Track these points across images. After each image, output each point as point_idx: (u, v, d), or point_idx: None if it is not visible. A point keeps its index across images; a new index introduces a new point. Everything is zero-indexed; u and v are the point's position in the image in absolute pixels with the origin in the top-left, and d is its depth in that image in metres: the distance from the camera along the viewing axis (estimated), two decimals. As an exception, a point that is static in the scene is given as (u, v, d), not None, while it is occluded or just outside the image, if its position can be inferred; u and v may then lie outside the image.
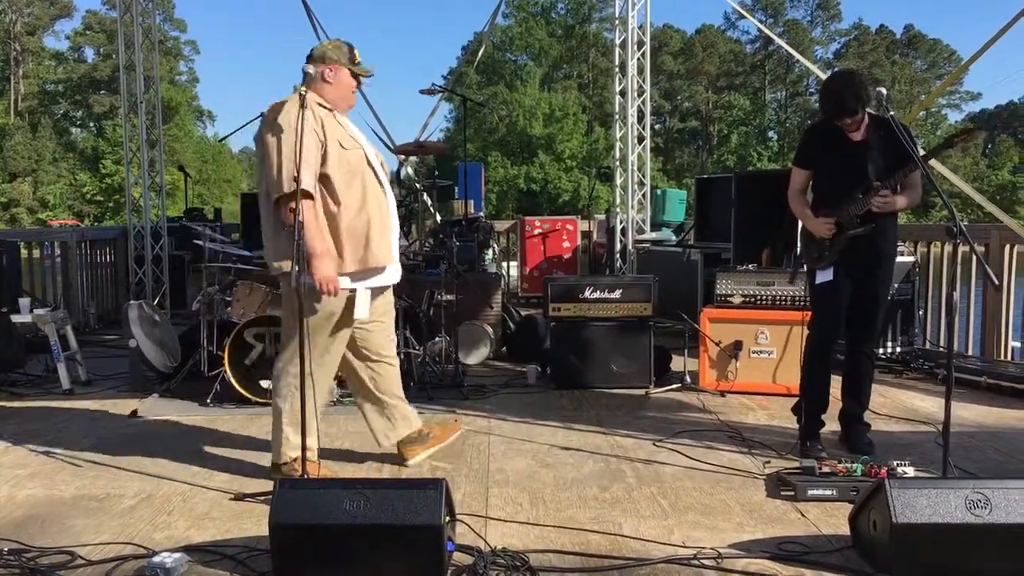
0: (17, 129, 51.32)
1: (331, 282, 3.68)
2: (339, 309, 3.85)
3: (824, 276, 4.35)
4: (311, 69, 3.89)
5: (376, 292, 3.99)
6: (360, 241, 3.79)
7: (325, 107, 3.80)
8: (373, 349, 4.17)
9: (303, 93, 3.58)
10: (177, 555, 3.04)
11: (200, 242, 6.42)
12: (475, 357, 6.90)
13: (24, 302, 6.45)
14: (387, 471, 4.24)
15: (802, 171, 4.45)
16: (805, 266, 4.62)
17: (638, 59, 9.44)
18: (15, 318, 6.32)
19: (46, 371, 6.49)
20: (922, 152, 4.10)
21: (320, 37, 10.69)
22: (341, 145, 3.77)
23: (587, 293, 6.09)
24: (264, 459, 4.36)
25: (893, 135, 3.91)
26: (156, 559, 3.00)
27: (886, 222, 4.29)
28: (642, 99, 9.56)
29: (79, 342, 6.67)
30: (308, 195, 3.61)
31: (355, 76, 3.97)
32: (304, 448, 3.61)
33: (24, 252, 8.72)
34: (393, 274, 4.06)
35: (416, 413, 4.41)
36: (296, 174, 3.45)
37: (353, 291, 3.84)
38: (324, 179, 3.73)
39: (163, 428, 5.06)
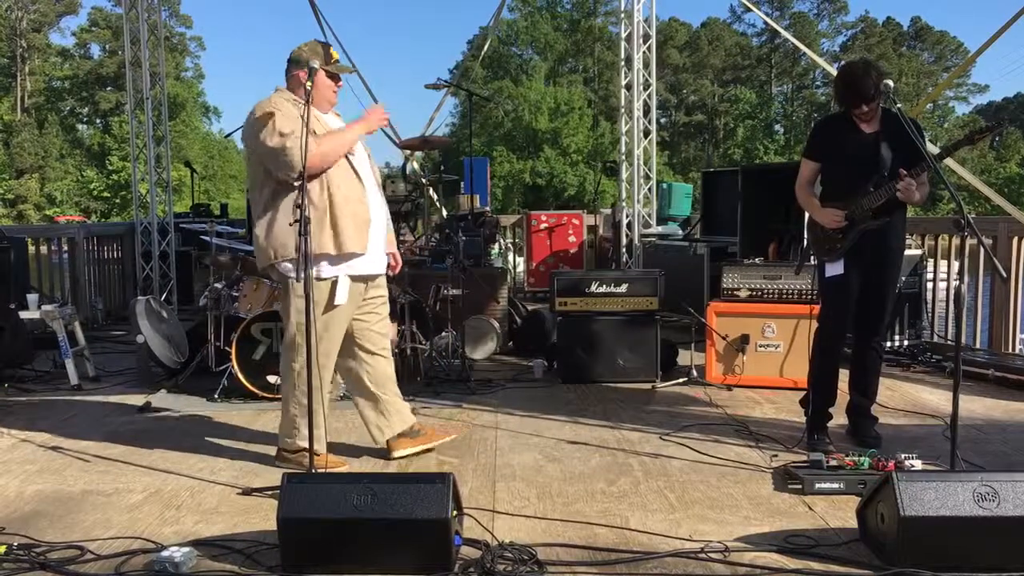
0: (24, 126, 51.45)
1: (378, 113, 4.08)
2: (324, 299, 3.93)
3: (834, 269, 4.34)
4: (291, 72, 4.04)
5: (359, 281, 4.07)
6: (332, 228, 3.88)
7: (301, 102, 3.86)
8: (368, 342, 4.23)
9: (308, 89, 3.70)
10: (186, 549, 3.05)
11: (207, 238, 6.43)
12: (482, 352, 6.90)
13: (32, 298, 6.48)
14: (394, 465, 4.25)
15: (811, 163, 4.44)
16: (813, 259, 4.61)
17: (644, 53, 9.42)
18: (23, 314, 6.34)
19: (54, 367, 6.52)
20: (937, 149, 4.07)
21: (325, 32, 10.71)
22: (315, 135, 3.87)
23: (593, 287, 6.09)
24: (272, 453, 4.38)
25: (904, 128, 3.90)
26: (165, 553, 3.01)
27: (896, 216, 4.28)
28: (648, 93, 9.55)
29: (87, 338, 6.69)
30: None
31: (332, 76, 4.08)
32: (311, 439, 3.63)
33: (32, 248, 8.75)
34: (375, 264, 4.14)
35: (410, 409, 4.43)
36: (302, 169, 3.53)
37: (334, 279, 3.94)
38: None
39: (171, 423, 5.07)
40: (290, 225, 3.79)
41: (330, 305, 3.95)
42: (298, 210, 3.48)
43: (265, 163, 3.88)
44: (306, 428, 3.76)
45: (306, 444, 3.79)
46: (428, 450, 4.36)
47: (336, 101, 4.20)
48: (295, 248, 3.57)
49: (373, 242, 4.06)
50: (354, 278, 4.02)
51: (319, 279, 3.86)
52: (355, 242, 3.93)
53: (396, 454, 4.29)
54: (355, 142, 4.01)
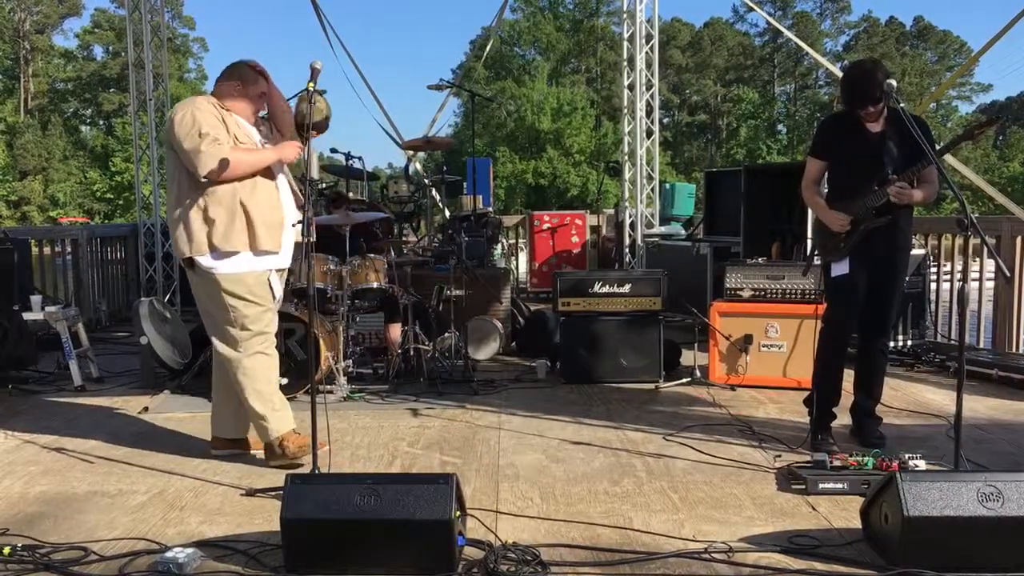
0: (27, 127, 51.49)
1: (294, 146, 4.23)
2: (247, 292, 4.11)
3: (840, 269, 4.33)
4: (223, 83, 4.28)
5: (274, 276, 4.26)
6: (246, 225, 4.06)
7: (224, 107, 4.16)
8: None
9: (311, 90, 3.84)
10: (189, 550, 3.06)
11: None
12: (485, 352, 6.90)
13: (36, 300, 6.49)
14: (398, 466, 4.25)
15: (818, 162, 4.44)
16: (818, 258, 4.60)
17: (646, 53, 9.42)
18: (27, 316, 6.35)
19: (58, 368, 6.52)
20: (938, 147, 4.06)
21: (328, 34, 10.70)
22: (236, 140, 4.10)
23: (596, 288, 6.09)
24: (275, 455, 4.39)
25: (910, 127, 3.89)
26: (169, 554, 3.02)
27: (902, 216, 4.27)
28: (650, 93, 9.54)
29: (90, 339, 6.70)
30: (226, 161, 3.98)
31: (262, 95, 4.33)
32: (315, 438, 3.64)
33: (35, 250, 8.76)
34: (285, 259, 4.32)
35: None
36: (305, 171, 3.65)
37: (266, 272, 4.15)
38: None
39: (174, 424, 5.07)
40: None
41: (256, 297, 4.14)
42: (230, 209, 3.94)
43: (182, 161, 4.05)
44: (274, 412, 4.14)
45: (286, 428, 4.15)
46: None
47: (260, 110, 4.40)
48: (206, 243, 4.00)
49: (285, 240, 4.25)
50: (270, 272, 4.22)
51: (240, 273, 4.08)
52: (268, 240, 4.12)
53: (213, 452, 4.40)
54: (264, 165, 4.14)
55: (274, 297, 4.22)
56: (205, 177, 3.96)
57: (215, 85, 4.32)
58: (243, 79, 4.25)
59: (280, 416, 4.20)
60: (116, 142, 49.04)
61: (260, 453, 4.33)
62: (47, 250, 9.13)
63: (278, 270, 4.27)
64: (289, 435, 4.17)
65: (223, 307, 4.11)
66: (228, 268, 4.06)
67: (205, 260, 4.06)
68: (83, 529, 3.45)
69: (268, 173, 4.18)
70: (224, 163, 3.94)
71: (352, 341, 6.15)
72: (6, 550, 3.11)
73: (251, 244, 4.06)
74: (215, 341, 4.21)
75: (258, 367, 4.19)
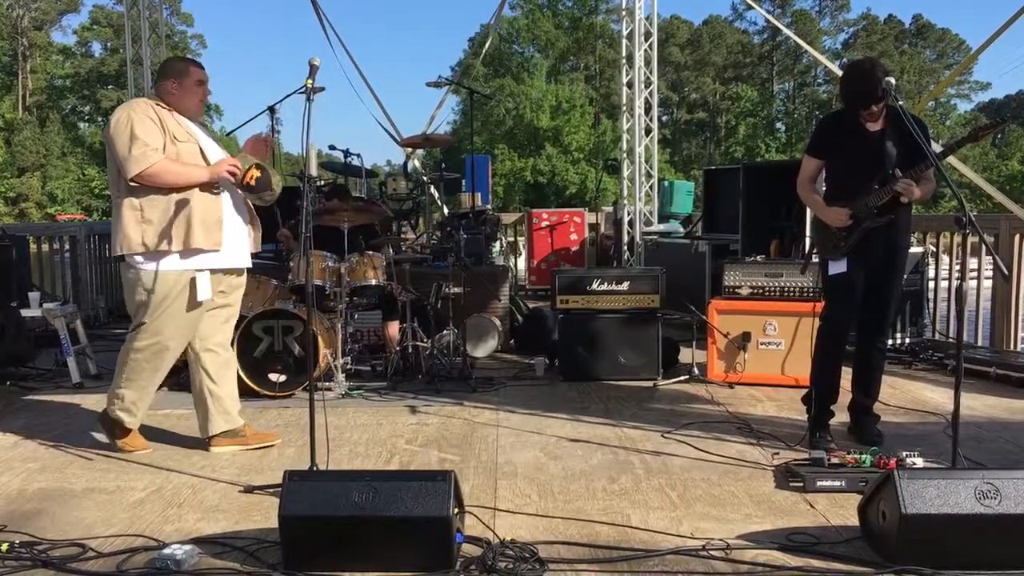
0: (25, 124, 51.45)
1: (228, 162, 4.21)
2: (175, 291, 4.18)
3: (837, 267, 4.33)
4: (160, 83, 4.35)
5: (217, 274, 4.31)
6: (180, 225, 4.12)
7: (164, 107, 4.24)
8: (213, 335, 4.47)
9: (310, 86, 3.83)
10: (187, 547, 3.06)
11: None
12: (483, 350, 6.90)
13: (34, 296, 6.48)
14: (396, 463, 4.26)
15: (814, 160, 4.43)
16: (816, 256, 4.60)
17: (645, 50, 9.41)
18: (25, 312, 6.34)
19: (56, 365, 6.51)
20: (939, 148, 4.06)
21: (327, 31, 10.69)
22: (175, 138, 4.17)
23: (595, 285, 6.09)
24: (273, 451, 4.40)
25: (909, 126, 3.89)
26: (167, 551, 3.02)
27: (900, 214, 4.27)
28: (649, 90, 9.54)
29: (89, 336, 6.69)
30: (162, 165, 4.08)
31: (200, 83, 4.37)
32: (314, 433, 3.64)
33: (33, 247, 8.75)
34: (230, 259, 4.36)
35: (238, 411, 4.56)
36: (304, 168, 3.62)
37: (190, 273, 4.19)
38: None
39: (172, 421, 5.07)
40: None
41: (192, 301, 4.21)
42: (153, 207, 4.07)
43: (115, 158, 4.13)
44: (130, 403, 4.32)
45: (124, 418, 4.34)
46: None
47: (200, 111, 4.45)
48: (139, 242, 4.09)
49: (228, 238, 4.29)
50: (213, 272, 4.28)
51: (170, 271, 4.16)
52: (205, 240, 4.16)
53: (214, 450, 4.44)
54: (194, 181, 4.15)
55: (198, 300, 4.23)
56: (132, 181, 4.07)
57: (156, 87, 4.41)
58: (176, 74, 4.32)
59: (130, 413, 4.36)
60: (114, 139, 48.94)
61: (229, 448, 4.45)
62: (45, 247, 9.13)
63: (223, 270, 4.35)
64: (127, 433, 4.39)
65: (138, 302, 4.24)
66: (153, 267, 4.16)
67: (134, 259, 4.17)
68: (81, 526, 3.44)
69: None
70: (151, 170, 4.04)
71: (350, 338, 6.16)
72: (4, 546, 3.11)
73: (184, 243, 4.13)
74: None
75: (145, 361, 4.30)
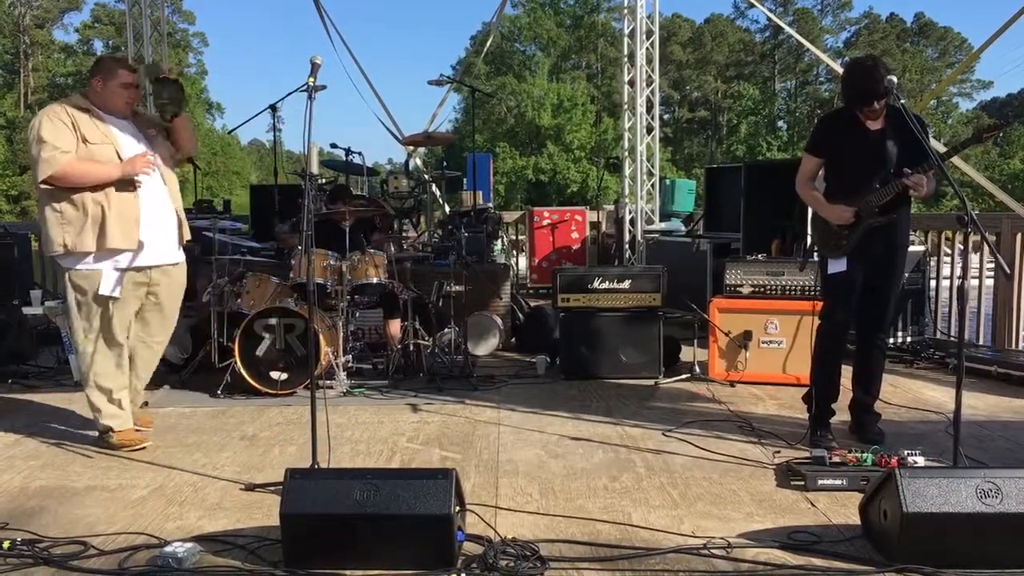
0: (27, 122, 51.45)
1: (142, 160, 4.26)
2: (92, 290, 4.28)
3: (837, 266, 4.33)
4: (90, 80, 4.40)
5: (133, 271, 4.36)
6: (96, 225, 4.20)
7: (83, 108, 4.27)
8: (141, 330, 4.59)
9: (311, 85, 3.82)
10: (189, 545, 3.06)
11: (209, 234, 6.43)
12: (484, 348, 6.90)
13: (35, 294, 6.50)
14: (397, 461, 4.26)
15: (813, 159, 4.43)
16: (816, 255, 4.60)
17: (647, 49, 9.40)
18: (26, 310, 6.36)
19: (57, 363, 6.52)
20: (942, 147, 4.06)
21: (328, 29, 10.68)
22: (86, 139, 4.21)
23: (596, 284, 6.09)
24: (275, 450, 4.40)
25: (909, 124, 3.89)
26: (168, 549, 3.02)
27: (901, 213, 4.27)
28: (651, 89, 9.53)
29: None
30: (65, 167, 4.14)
31: (126, 86, 4.38)
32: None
33: (35, 244, 8.74)
34: (151, 256, 4.42)
35: (138, 413, 4.72)
36: (305, 166, 3.67)
37: (104, 271, 4.28)
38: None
39: (174, 419, 5.08)
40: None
41: (98, 295, 4.28)
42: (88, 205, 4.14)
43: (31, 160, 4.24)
44: (109, 407, 4.39)
45: (111, 423, 4.39)
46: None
47: (126, 108, 4.44)
48: (60, 243, 4.18)
49: (148, 236, 4.35)
50: (126, 270, 4.33)
51: (89, 270, 4.26)
52: (121, 239, 4.24)
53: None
54: (107, 178, 4.20)
55: (101, 295, 4.29)
56: (41, 183, 4.13)
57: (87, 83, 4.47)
58: (103, 73, 4.34)
59: (114, 413, 4.43)
60: (116, 137, 48.96)
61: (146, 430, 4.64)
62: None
63: (147, 267, 4.41)
64: (119, 432, 4.43)
65: (72, 302, 4.33)
66: (78, 266, 4.26)
67: (62, 260, 4.28)
68: (83, 523, 3.45)
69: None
70: (58, 171, 4.10)
71: (352, 336, 6.16)
72: (6, 544, 3.11)
73: (100, 243, 4.20)
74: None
75: (99, 362, 4.38)
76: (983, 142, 4.31)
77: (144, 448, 4.44)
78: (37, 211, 4.32)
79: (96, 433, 4.52)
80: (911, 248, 6.22)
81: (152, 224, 4.39)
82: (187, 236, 4.70)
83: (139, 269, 4.39)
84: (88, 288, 4.28)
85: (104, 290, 4.26)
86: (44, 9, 55.38)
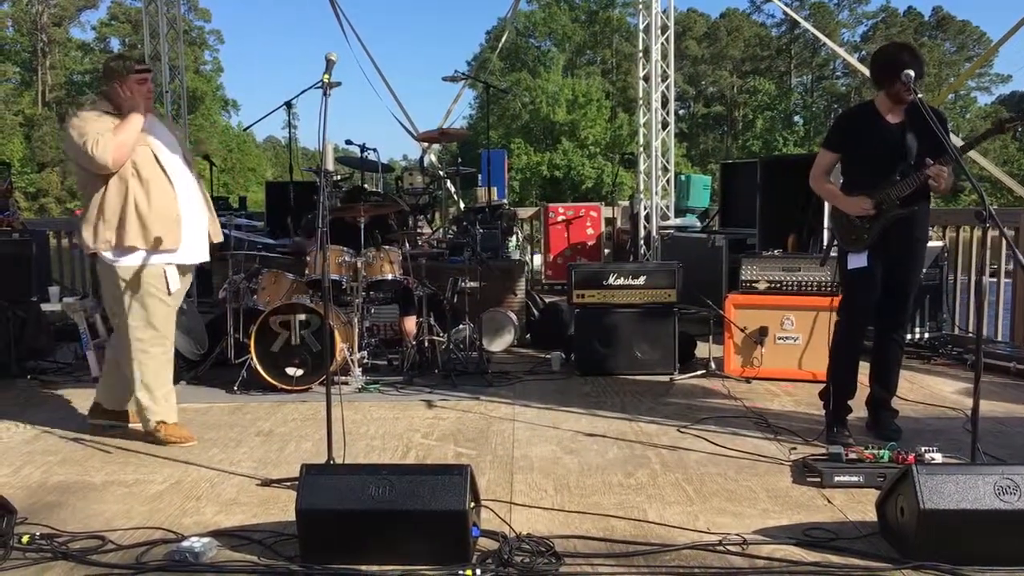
0: (45, 120, 51.77)
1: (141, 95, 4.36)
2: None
3: (857, 261, 4.30)
4: (105, 89, 4.46)
5: (178, 268, 4.45)
6: (143, 223, 4.27)
7: (111, 114, 4.34)
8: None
9: (326, 81, 3.81)
10: (206, 540, 3.08)
11: (226, 231, 6.46)
12: (499, 344, 6.91)
13: (54, 291, 6.54)
14: (412, 457, 4.27)
15: (831, 154, 4.41)
16: (835, 250, 4.57)
17: (662, 44, 9.38)
18: (45, 307, 6.40)
19: (75, 359, 6.57)
20: (960, 141, 4.03)
21: (343, 25, 10.71)
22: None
23: (611, 280, 6.08)
24: (290, 445, 4.42)
25: (928, 118, 3.87)
26: (185, 544, 3.04)
27: (920, 207, 4.25)
28: (666, 84, 9.50)
29: (108, 330, 6.73)
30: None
31: (142, 81, 4.42)
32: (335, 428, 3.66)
33: (53, 241, 8.82)
34: (190, 256, 4.50)
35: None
36: (320, 163, 3.65)
37: (164, 268, 4.36)
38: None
39: (191, 415, 5.10)
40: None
41: (161, 291, 4.37)
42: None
43: (80, 162, 4.27)
44: (155, 404, 4.43)
45: (162, 416, 4.45)
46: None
47: (150, 105, 4.51)
48: (106, 240, 4.24)
49: (187, 236, 4.43)
50: (175, 265, 4.43)
51: (144, 266, 4.32)
52: (164, 237, 4.31)
53: (91, 421, 4.78)
54: (138, 128, 4.30)
55: (169, 291, 4.40)
56: (105, 169, 4.20)
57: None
58: (116, 77, 4.38)
59: (162, 408, 4.48)
60: (132, 134, 49.18)
61: (137, 426, 4.63)
62: (65, 242, 9.19)
63: (178, 265, 4.45)
64: (166, 426, 4.48)
65: (120, 299, 4.37)
66: (126, 262, 4.31)
67: (107, 255, 4.31)
68: (101, 518, 3.48)
69: (161, 171, 4.35)
70: (113, 149, 4.17)
71: (367, 333, 6.18)
72: (25, 538, 3.14)
73: (145, 241, 4.27)
74: (117, 328, 4.49)
75: (148, 361, 4.42)
76: (1004, 133, 4.28)
77: (192, 444, 4.47)
78: (81, 207, 4.41)
79: (146, 427, 4.54)
80: (929, 244, 6.18)
81: (191, 224, 4.46)
82: (218, 237, 4.74)
83: (183, 266, 4.48)
84: (137, 285, 4.33)
85: (174, 286, 4.38)
86: (61, 7, 55.71)
